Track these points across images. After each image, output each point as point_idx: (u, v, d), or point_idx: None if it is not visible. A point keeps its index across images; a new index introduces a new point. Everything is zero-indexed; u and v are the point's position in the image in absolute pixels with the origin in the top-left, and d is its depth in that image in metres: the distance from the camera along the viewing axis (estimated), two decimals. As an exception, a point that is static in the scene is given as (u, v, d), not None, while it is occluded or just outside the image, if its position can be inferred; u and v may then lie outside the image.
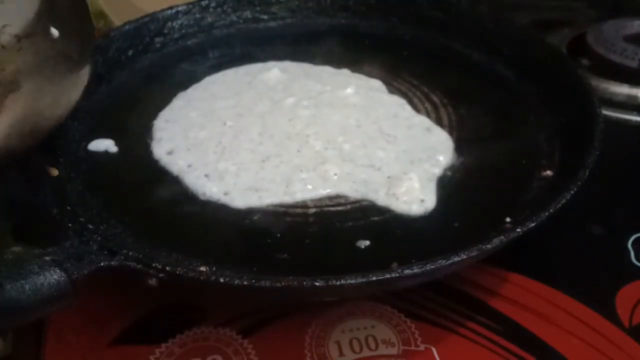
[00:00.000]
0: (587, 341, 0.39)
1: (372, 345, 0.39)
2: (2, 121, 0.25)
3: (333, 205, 0.43)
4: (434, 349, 0.39)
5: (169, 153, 0.48)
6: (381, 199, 0.43)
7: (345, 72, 0.58)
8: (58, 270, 0.31)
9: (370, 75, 0.57)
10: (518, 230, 0.36)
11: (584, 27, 0.70)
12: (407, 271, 0.33)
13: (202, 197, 0.44)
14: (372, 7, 0.66)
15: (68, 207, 0.42)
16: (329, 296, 0.39)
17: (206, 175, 0.45)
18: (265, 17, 0.66)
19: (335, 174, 0.45)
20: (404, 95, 0.55)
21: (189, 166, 0.46)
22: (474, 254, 0.34)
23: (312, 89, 0.55)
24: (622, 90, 0.60)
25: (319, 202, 0.44)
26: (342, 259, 0.40)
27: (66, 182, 0.45)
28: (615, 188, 0.52)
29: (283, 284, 0.33)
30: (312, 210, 0.43)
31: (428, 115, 0.52)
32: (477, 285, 0.43)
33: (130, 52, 0.59)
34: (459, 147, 0.48)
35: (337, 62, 0.59)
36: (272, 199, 0.43)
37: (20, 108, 0.25)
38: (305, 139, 0.49)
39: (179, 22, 0.63)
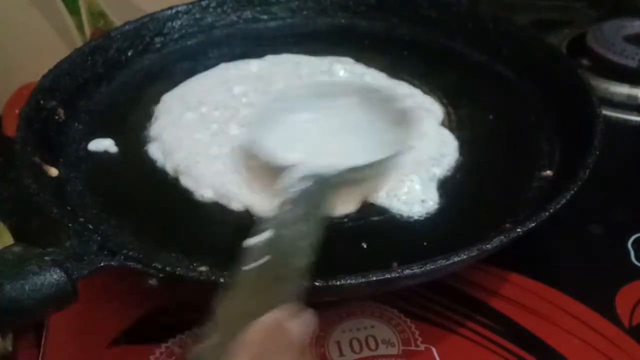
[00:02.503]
0: (587, 341, 0.39)
1: (372, 345, 0.39)
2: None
3: (333, 205, 0.43)
4: (434, 349, 0.39)
5: (166, 153, 0.48)
6: (382, 199, 0.43)
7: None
8: (58, 270, 0.31)
9: (370, 75, 0.57)
10: (518, 230, 0.36)
11: (584, 27, 0.70)
12: (407, 271, 0.33)
13: (200, 198, 0.44)
14: (372, 7, 0.66)
15: (68, 207, 0.42)
16: (329, 296, 0.39)
17: (203, 174, 0.45)
18: (265, 17, 0.66)
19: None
20: (404, 95, 0.54)
21: (187, 166, 0.46)
22: (474, 254, 0.34)
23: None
24: (622, 90, 0.61)
25: (319, 202, 0.43)
26: (342, 259, 0.40)
27: (66, 182, 0.45)
28: (615, 188, 0.52)
29: (283, 284, 0.33)
30: (312, 210, 0.43)
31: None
32: (477, 285, 0.43)
33: (130, 52, 0.59)
34: (459, 147, 0.48)
35: (337, 62, 0.59)
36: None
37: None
38: (306, 139, 0.48)
39: (179, 22, 0.63)
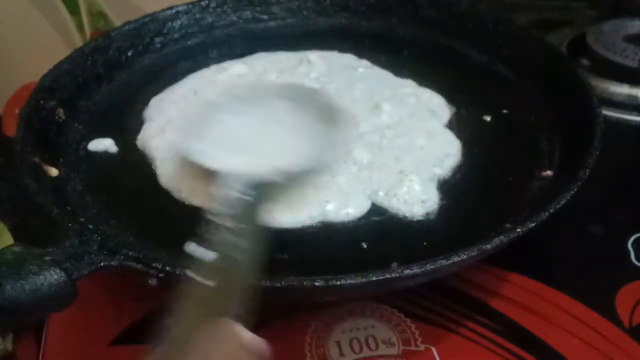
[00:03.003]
0: (587, 341, 0.39)
1: (372, 345, 0.39)
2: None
3: (333, 205, 0.43)
4: (434, 349, 0.39)
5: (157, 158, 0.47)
6: (381, 199, 0.43)
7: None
8: (58, 270, 0.31)
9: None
10: (518, 230, 0.36)
11: (584, 27, 0.70)
12: (407, 271, 0.33)
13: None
14: (372, 7, 0.66)
15: (68, 207, 0.42)
16: (329, 296, 0.39)
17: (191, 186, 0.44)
18: (265, 17, 0.66)
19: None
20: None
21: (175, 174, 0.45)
22: (474, 254, 0.34)
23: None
24: (622, 90, 0.60)
25: (319, 202, 0.43)
26: (342, 259, 0.40)
27: (66, 182, 0.45)
28: (615, 188, 0.52)
29: (283, 284, 0.33)
30: (312, 210, 0.43)
31: (428, 116, 0.52)
32: (477, 285, 0.43)
33: (130, 52, 0.59)
34: (460, 148, 0.48)
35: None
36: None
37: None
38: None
39: (179, 22, 0.63)
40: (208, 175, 0.38)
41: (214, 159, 0.39)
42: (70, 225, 0.37)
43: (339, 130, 0.42)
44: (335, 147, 0.41)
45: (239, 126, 0.43)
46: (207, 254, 0.30)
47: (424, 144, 0.48)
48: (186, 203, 0.43)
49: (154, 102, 0.53)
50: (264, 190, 0.36)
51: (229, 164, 0.37)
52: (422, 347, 0.39)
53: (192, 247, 0.31)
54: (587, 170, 0.39)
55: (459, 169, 0.46)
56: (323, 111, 0.43)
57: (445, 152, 0.47)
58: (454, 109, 0.52)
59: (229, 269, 0.30)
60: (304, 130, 0.42)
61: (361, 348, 0.39)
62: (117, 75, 0.58)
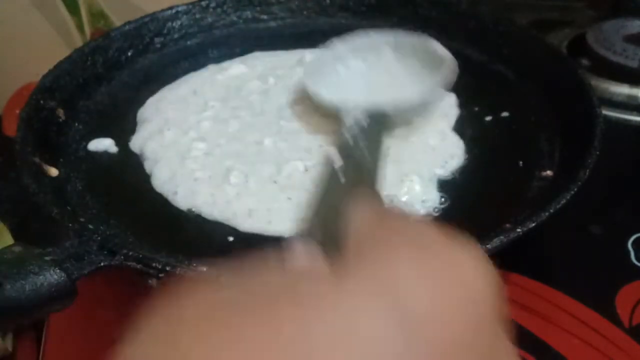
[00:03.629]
0: (587, 341, 0.39)
1: (372, 345, 0.39)
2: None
3: (333, 205, 0.43)
4: (434, 349, 0.39)
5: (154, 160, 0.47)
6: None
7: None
8: (58, 270, 0.31)
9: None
10: (518, 230, 0.36)
11: (584, 27, 0.70)
12: (406, 271, 0.33)
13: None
14: (372, 7, 0.66)
15: (68, 207, 0.42)
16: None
17: (195, 180, 0.45)
18: (265, 17, 0.66)
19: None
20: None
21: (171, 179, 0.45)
22: (474, 254, 0.34)
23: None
24: (622, 90, 0.60)
25: (319, 202, 0.43)
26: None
27: (66, 182, 0.45)
28: (615, 188, 0.52)
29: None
30: (312, 210, 0.43)
31: (428, 116, 0.52)
32: (477, 285, 0.43)
33: (130, 52, 0.59)
34: (460, 148, 0.48)
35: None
36: (272, 199, 0.43)
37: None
38: (306, 138, 0.48)
39: (179, 22, 0.63)
40: (331, 111, 0.46)
41: (336, 98, 0.46)
42: (70, 225, 0.37)
43: (440, 73, 0.48)
44: (437, 88, 0.48)
45: (353, 71, 0.51)
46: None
47: (434, 145, 0.47)
48: (180, 206, 0.43)
49: (151, 102, 0.53)
50: (379, 119, 0.41)
51: (348, 101, 0.43)
52: (422, 347, 0.39)
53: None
54: (587, 170, 0.39)
55: (459, 169, 0.46)
56: (427, 57, 0.50)
57: (450, 153, 0.47)
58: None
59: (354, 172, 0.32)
60: (409, 73, 0.50)
61: (361, 348, 0.39)
62: (117, 75, 0.58)
